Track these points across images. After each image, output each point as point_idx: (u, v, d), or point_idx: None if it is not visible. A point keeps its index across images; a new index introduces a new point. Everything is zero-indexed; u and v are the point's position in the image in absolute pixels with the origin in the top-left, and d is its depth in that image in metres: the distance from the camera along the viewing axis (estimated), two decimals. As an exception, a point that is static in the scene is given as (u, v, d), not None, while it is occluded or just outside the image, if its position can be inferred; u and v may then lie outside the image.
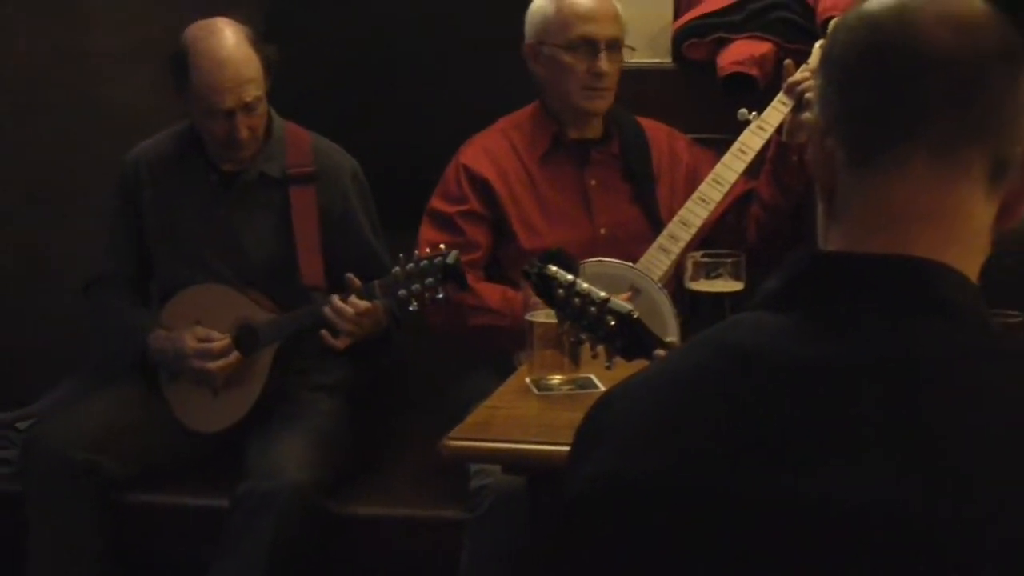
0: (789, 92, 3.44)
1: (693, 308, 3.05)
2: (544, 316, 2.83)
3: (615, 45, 3.65)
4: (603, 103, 3.68)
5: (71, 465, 3.47)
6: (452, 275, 3.30)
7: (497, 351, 3.54)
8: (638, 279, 3.39)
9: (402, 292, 3.34)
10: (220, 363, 3.63)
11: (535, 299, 2.76)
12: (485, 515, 3.19)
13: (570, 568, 1.33)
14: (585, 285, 2.60)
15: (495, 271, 3.69)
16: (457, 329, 3.62)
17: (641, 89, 4.02)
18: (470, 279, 3.43)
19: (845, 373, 1.24)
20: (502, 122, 3.81)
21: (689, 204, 3.54)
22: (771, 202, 3.60)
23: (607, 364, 2.60)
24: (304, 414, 3.62)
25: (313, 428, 3.58)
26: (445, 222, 3.67)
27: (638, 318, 2.57)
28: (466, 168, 3.69)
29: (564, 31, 3.65)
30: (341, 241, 3.73)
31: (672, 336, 3.11)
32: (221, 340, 3.63)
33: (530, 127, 3.75)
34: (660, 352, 2.54)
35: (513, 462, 2.69)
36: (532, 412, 2.79)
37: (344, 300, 3.46)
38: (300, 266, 3.66)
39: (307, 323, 3.56)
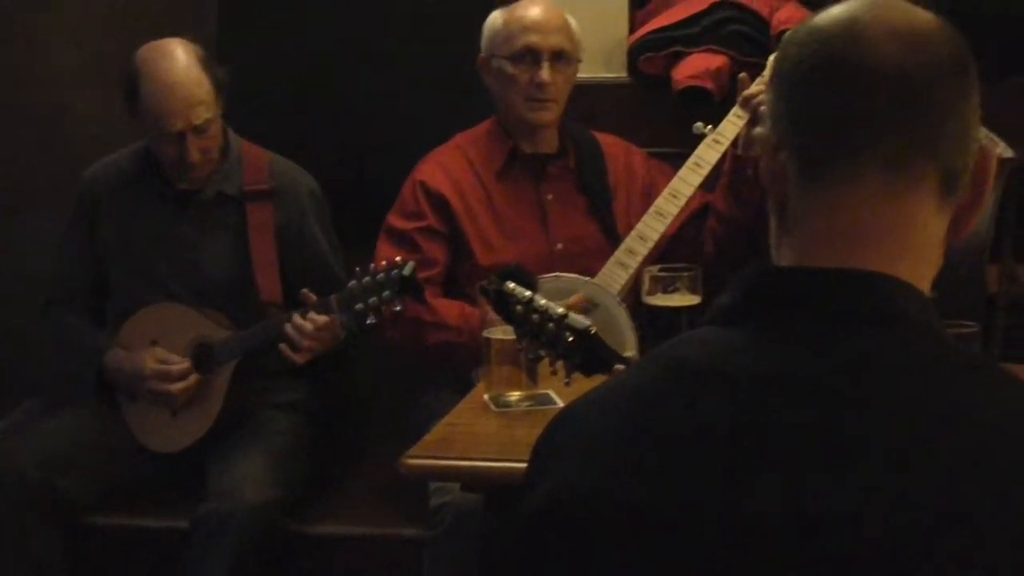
0: (744, 105, 3.45)
1: (651, 322, 3.06)
2: (501, 333, 2.82)
3: (560, 57, 3.65)
4: (547, 115, 3.67)
5: (29, 486, 3.44)
6: (409, 287, 3.29)
7: (455, 367, 3.53)
8: (596, 294, 3.39)
9: (359, 306, 3.33)
10: (179, 385, 3.61)
11: (493, 315, 2.75)
12: (445, 533, 3.17)
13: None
14: (543, 301, 2.60)
15: (452, 287, 3.68)
16: (415, 346, 3.61)
17: (597, 103, 4.04)
18: (428, 295, 3.43)
19: (797, 387, 1.24)
20: (458, 138, 3.81)
21: (646, 218, 3.54)
22: (728, 215, 3.61)
23: (566, 380, 2.59)
24: (263, 433, 3.61)
25: (272, 447, 3.56)
26: (402, 239, 3.66)
27: (596, 333, 2.56)
28: (423, 184, 3.68)
29: (509, 42, 3.66)
30: (298, 258, 3.72)
31: (631, 351, 3.11)
32: (180, 363, 3.62)
33: (486, 142, 3.75)
34: (619, 367, 2.54)
35: (472, 480, 2.68)
36: (490, 429, 2.78)
37: (304, 316, 3.45)
38: (257, 283, 3.65)
39: (265, 339, 3.55)
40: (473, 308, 3.45)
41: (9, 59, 4.52)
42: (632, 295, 3.42)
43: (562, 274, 3.43)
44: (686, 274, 3.02)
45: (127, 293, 3.77)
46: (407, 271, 3.28)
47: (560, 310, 2.58)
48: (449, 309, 3.58)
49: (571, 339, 2.56)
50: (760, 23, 4.04)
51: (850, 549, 1.15)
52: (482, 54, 3.73)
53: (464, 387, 3.18)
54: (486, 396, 2.89)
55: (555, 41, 3.64)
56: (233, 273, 3.69)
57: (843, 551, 1.15)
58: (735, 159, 3.53)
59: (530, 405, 2.85)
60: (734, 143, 3.49)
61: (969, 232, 1.39)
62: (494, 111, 3.78)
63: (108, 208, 3.77)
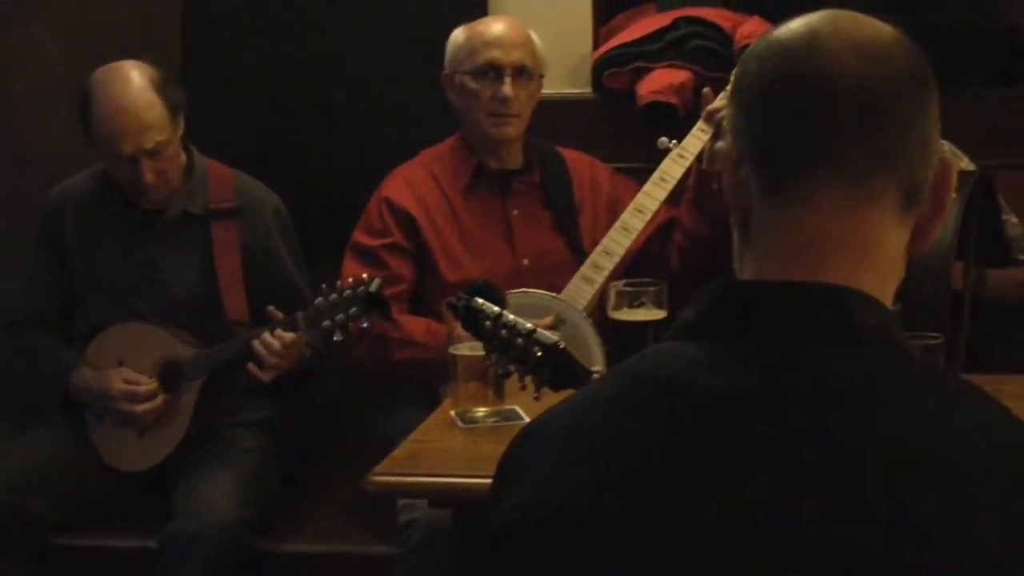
0: (708, 120, 3.46)
1: (617, 337, 3.06)
2: (467, 349, 2.82)
3: (523, 72, 3.66)
4: (510, 129, 3.68)
5: (-2, 507, 3.43)
6: (375, 303, 3.29)
7: (422, 384, 3.53)
8: (563, 309, 3.40)
9: (326, 323, 3.33)
10: (146, 406, 3.60)
11: (459, 331, 2.76)
12: (414, 550, 3.17)
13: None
14: (512, 316, 2.60)
15: (419, 304, 3.68)
16: (382, 362, 3.61)
17: (561, 119, 4.04)
18: (394, 312, 3.43)
19: (760, 401, 1.25)
20: (424, 154, 3.80)
21: (612, 233, 3.55)
22: (693, 229, 3.62)
23: (535, 395, 2.60)
24: (230, 451, 3.59)
25: (240, 465, 3.55)
26: (368, 255, 3.65)
27: (564, 348, 2.57)
28: (388, 201, 3.68)
29: (471, 58, 3.66)
30: (264, 276, 3.71)
31: (598, 365, 3.11)
32: (148, 384, 3.61)
33: (451, 159, 3.75)
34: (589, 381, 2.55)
35: (439, 496, 2.68)
36: (457, 445, 2.78)
37: (271, 333, 3.45)
38: (223, 301, 3.64)
39: (232, 357, 3.54)
40: (440, 324, 3.45)
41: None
42: (598, 310, 3.43)
43: (529, 290, 3.43)
44: (651, 289, 3.03)
45: (93, 312, 3.75)
46: (373, 288, 3.28)
47: (528, 325, 2.59)
48: (415, 326, 3.58)
49: (540, 354, 2.56)
50: (723, 38, 4.05)
51: (817, 563, 1.15)
52: (445, 70, 3.73)
53: (431, 403, 3.17)
54: (453, 412, 2.88)
55: (517, 56, 3.65)
56: (199, 292, 3.68)
57: (810, 566, 1.15)
58: (700, 174, 3.55)
59: (497, 421, 2.84)
60: (698, 158, 3.51)
61: (931, 244, 1.39)
62: (459, 128, 3.78)
63: (74, 227, 3.76)
